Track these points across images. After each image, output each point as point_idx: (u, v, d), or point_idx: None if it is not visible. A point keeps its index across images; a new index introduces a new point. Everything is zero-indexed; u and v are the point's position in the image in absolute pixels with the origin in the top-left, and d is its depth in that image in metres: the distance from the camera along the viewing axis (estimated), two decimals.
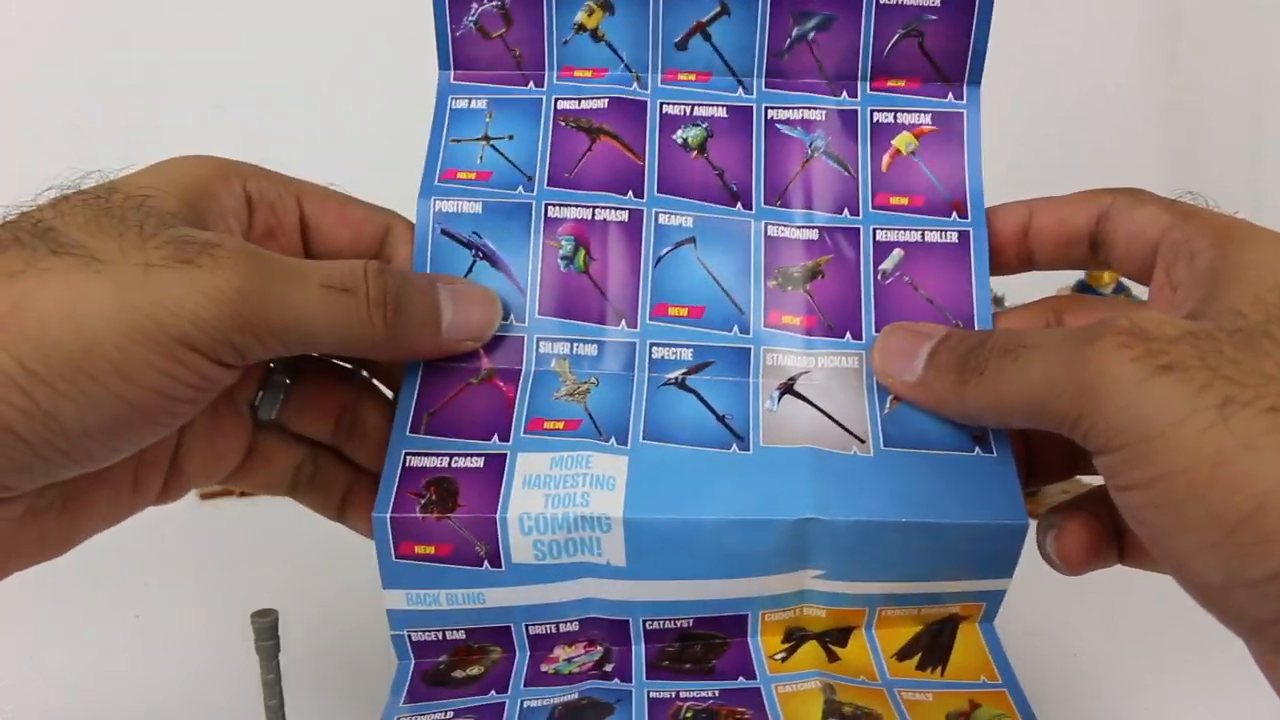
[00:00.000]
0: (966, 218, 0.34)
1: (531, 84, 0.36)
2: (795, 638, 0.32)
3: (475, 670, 0.32)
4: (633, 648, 0.32)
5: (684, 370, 0.33)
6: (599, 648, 0.32)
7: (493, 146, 0.35)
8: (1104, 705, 0.39)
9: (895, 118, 0.35)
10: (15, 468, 0.25)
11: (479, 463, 0.31)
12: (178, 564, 0.34)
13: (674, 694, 0.30)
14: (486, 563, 0.30)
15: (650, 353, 0.33)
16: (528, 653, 0.32)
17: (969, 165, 0.34)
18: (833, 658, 0.32)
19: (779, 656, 0.32)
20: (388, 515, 0.30)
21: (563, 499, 0.30)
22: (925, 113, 0.35)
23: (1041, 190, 0.33)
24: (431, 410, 0.32)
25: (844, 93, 0.35)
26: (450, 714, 0.30)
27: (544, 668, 0.32)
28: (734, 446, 0.31)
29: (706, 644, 0.32)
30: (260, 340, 0.27)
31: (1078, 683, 0.40)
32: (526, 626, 0.32)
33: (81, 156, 0.29)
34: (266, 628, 0.31)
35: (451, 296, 0.31)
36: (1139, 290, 0.52)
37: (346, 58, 0.38)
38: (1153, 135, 0.76)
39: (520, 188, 0.35)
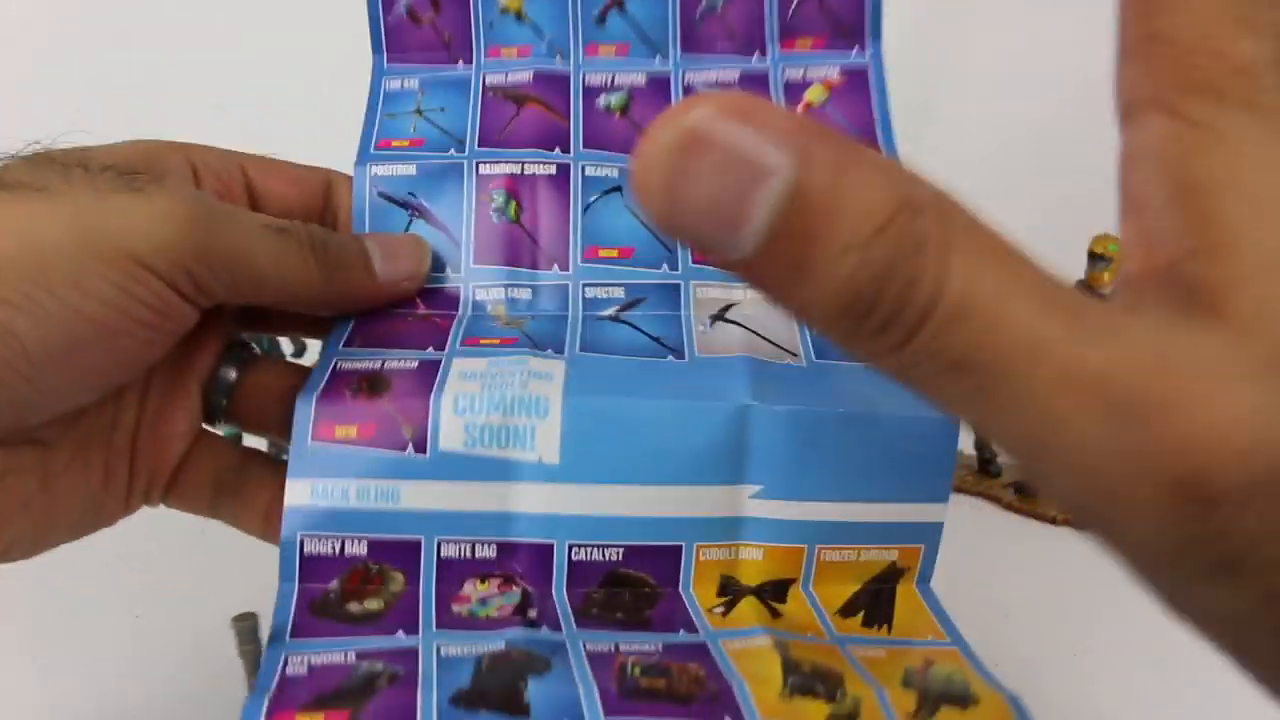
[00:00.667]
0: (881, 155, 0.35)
1: (460, 63, 0.37)
2: (731, 591, 0.31)
3: (374, 604, 0.29)
4: (554, 590, 0.30)
5: (618, 307, 0.34)
6: (515, 588, 0.30)
7: (425, 118, 0.37)
8: (1104, 705, 0.39)
9: (805, 74, 0.37)
10: None
11: (413, 364, 0.31)
12: (178, 563, 0.34)
13: (613, 647, 0.28)
14: (411, 447, 0.29)
15: (584, 292, 0.34)
16: (434, 584, 0.30)
17: (878, 110, 0.36)
18: (775, 614, 0.30)
19: (717, 610, 0.30)
20: (313, 397, 0.29)
21: (500, 385, 0.30)
22: (833, 67, 0.37)
23: (1039, 193, 0.34)
24: (367, 332, 0.32)
25: (755, 56, 0.37)
26: (352, 656, 0.27)
27: (455, 608, 0.29)
28: (670, 358, 0.32)
29: (636, 592, 0.31)
30: (211, 270, 0.27)
31: (1078, 682, 0.40)
32: (438, 544, 0.30)
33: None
34: (247, 631, 0.31)
35: (378, 244, 0.33)
36: None
37: (346, 57, 0.39)
38: None
39: (452, 150, 0.36)
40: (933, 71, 0.37)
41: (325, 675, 0.26)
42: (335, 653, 0.27)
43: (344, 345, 0.32)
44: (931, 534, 0.31)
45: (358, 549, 0.29)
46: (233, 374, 0.33)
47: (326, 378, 0.30)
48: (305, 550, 0.29)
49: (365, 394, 0.30)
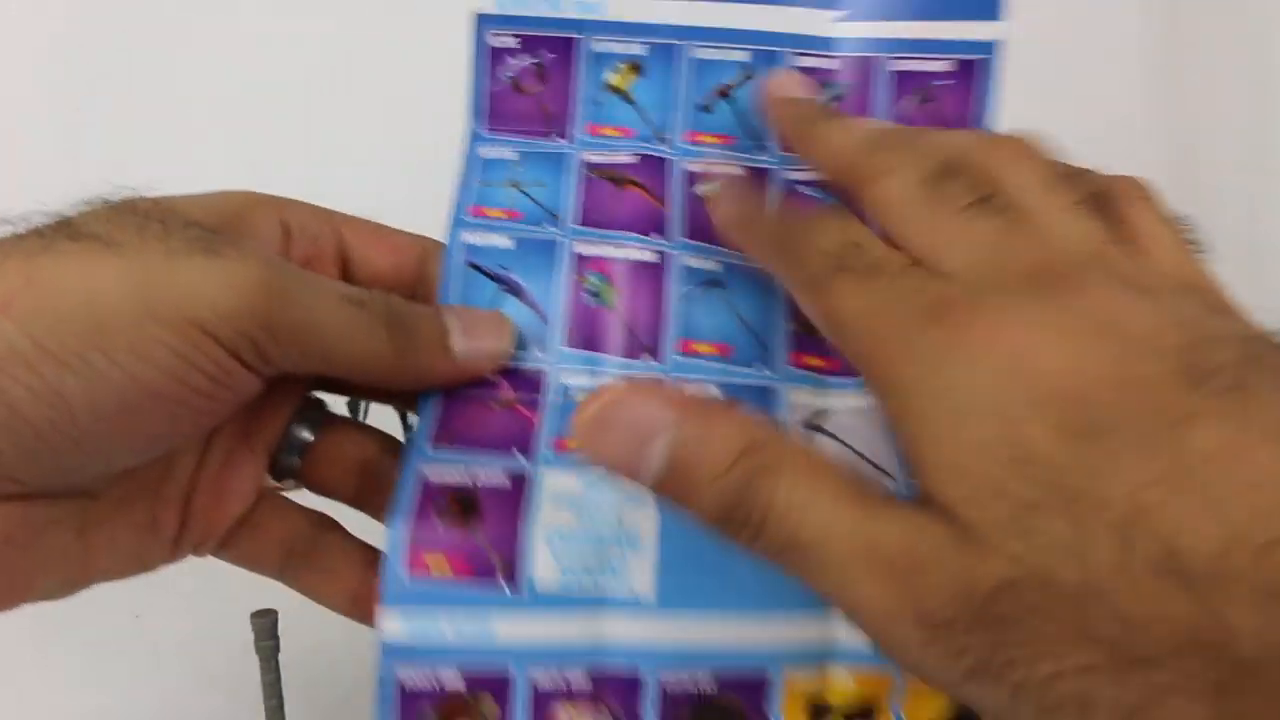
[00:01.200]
0: None
1: (557, 137, 0.37)
2: (821, 715, 0.31)
3: None
4: (644, 717, 0.30)
5: None
6: (607, 713, 0.30)
7: (521, 190, 0.36)
8: None
9: None
10: (21, 454, 0.24)
11: (503, 481, 0.30)
12: (179, 563, 0.34)
13: None
14: (504, 584, 0.29)
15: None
16: (528, 713, 0.30)
17: None
18: None
19: None
20: (403, 523, 0.29)
21: (593, 515, 0.29)
22: None
23: None
24: (450, 426, 0.31)
25: None
26: None
27: None
28: None
29: (724, 715, 0.30)
30: (278, 341, 0.26)
31: None
32: (531, 677, 0.30)
33: (80, 160, 0.29)
34: (266, 627, 0.31)
35: (458, 317, 0.31)
36: None
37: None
38: (1153, 154, 0.77)
39: (549, 225, 0.35)
40: None
41: None
42: None
43: (430, 441, 0.31)
44: None
45: (453, 681, 0.29)
46: (307, 434, 0.32)
47: (414, 493, 0.29)
48: (403, 684, 0.29)
49: (457, 519, 0.29)
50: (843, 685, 0.31)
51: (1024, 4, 0.35)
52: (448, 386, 0.32)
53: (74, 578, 0.28)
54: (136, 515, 0.29)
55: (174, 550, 0.31)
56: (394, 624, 0.29)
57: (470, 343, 0.31)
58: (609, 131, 0.37)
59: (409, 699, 0.29)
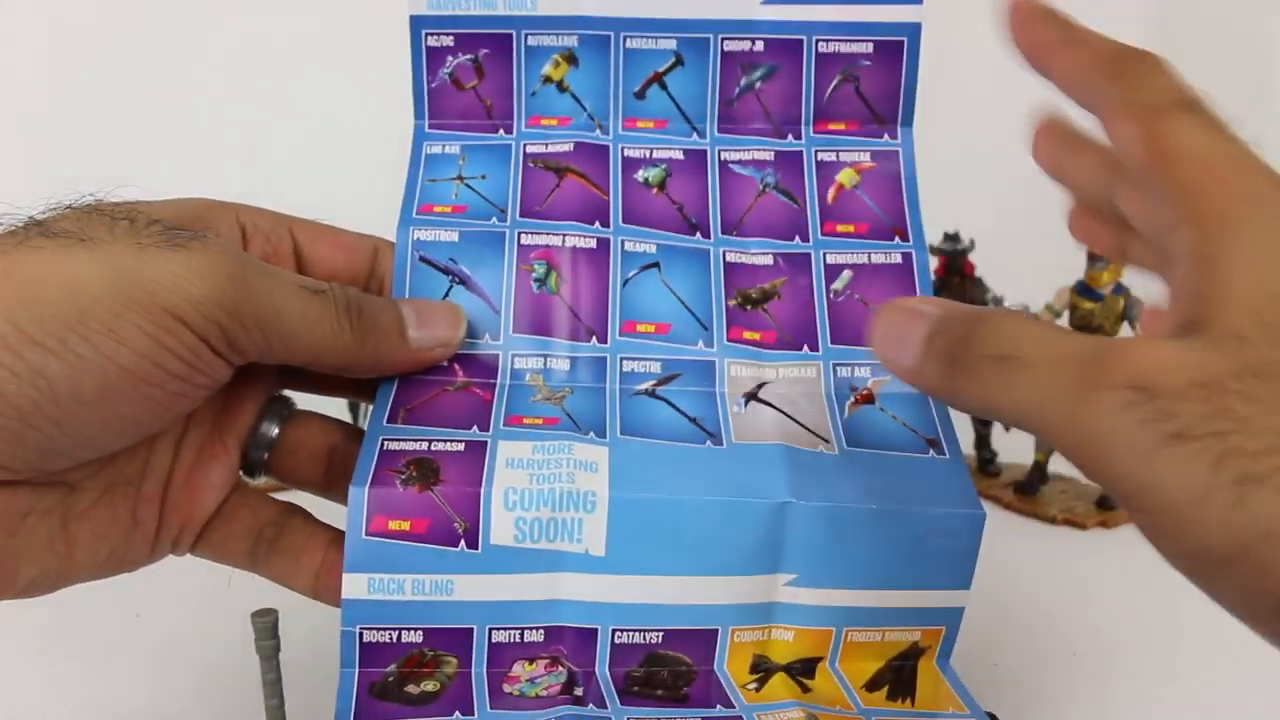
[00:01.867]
0: (908, 241, 0.37)
1: (501, 131, 0.38)
2: (763, 669, 0.33)
3: (430, 686, 0.31)
4: (597, 669, 0.32)
5: (654, 381, 0.34)
6: (562, 668, 0.32)
7: (467, 185, 0.37)
8: (1104, 705, 0.39)
9: (837, 156, 0.38)
10: (7, 436, 0.25)
11: (460, 447, 0.32)
12: (179, 563, 0.34)
13: None
14: (463, 543, 0.30)
15: (621, 366, 0.35)
16: (485, 667, 0.31)
17: (907, 196, 0.37)
18: (804, 689, 0.32)
19: (750, 686, 0.32)
20: (365, 487, 0.30)
21: (548, 477, 0.31)
22: (865, 151, 0.38)
23: (1041, 193, 0.34)
24: (409, 406, 0.33)
25: (789, 135, 0.38)
26: None
27: (506, 688, 0.31)
28: (708, 443, 0.33)
29: (674, 671, 0.32)
30: (245, 328, 0.28)
31: (1078, 682, 0.40)
32: (490, 631, 0.31)
33: (77, 163, 0.30)
34: (267, 627, 0.31)
35: (414, 309, 0.33)
36: (1139, 289, 0.52)
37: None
38: None
39: (494, 219, 0.37)
40: (932, 67, 0.37)
41: None
42: None
43: (388, 420, 0.32)
44: (953, 617, 0.33)
45: (414, 637, 0.31)
46: (274, 429, 0.33)
47: (375, 461, 0.31)
48: (364, 639, 0.31)
49: (416, 483, 0.30)
50: (783, 640, 0.33)
51: None
52: (405, 373, 0.33)
53: (58, 570, 0.29)
54: (118, 509, 0.30)
55: (153, 547, 0.32)
56: (357, 583, 0.30)
57: (425, 332, 0.33)
58: (549, 122, 0.38)
59: (371, 653, 0.31)
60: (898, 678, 0.33)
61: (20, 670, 0.41)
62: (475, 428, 0.32)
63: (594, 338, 0.35)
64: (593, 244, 0.36)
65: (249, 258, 0.29)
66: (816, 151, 0.38)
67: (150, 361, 0.26)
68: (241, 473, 0.33)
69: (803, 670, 0.32)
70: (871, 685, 0.32)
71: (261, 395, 0.34)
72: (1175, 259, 0.24)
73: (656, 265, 0.36)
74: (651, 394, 0.34)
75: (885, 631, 0.33)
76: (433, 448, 0.31)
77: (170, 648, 0.42)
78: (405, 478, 0.30)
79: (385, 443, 0.31)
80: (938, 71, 0.39)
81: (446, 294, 0.35)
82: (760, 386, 0.35)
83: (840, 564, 0.32)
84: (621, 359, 0.35)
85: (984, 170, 0.35)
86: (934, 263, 0.56)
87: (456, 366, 0.34)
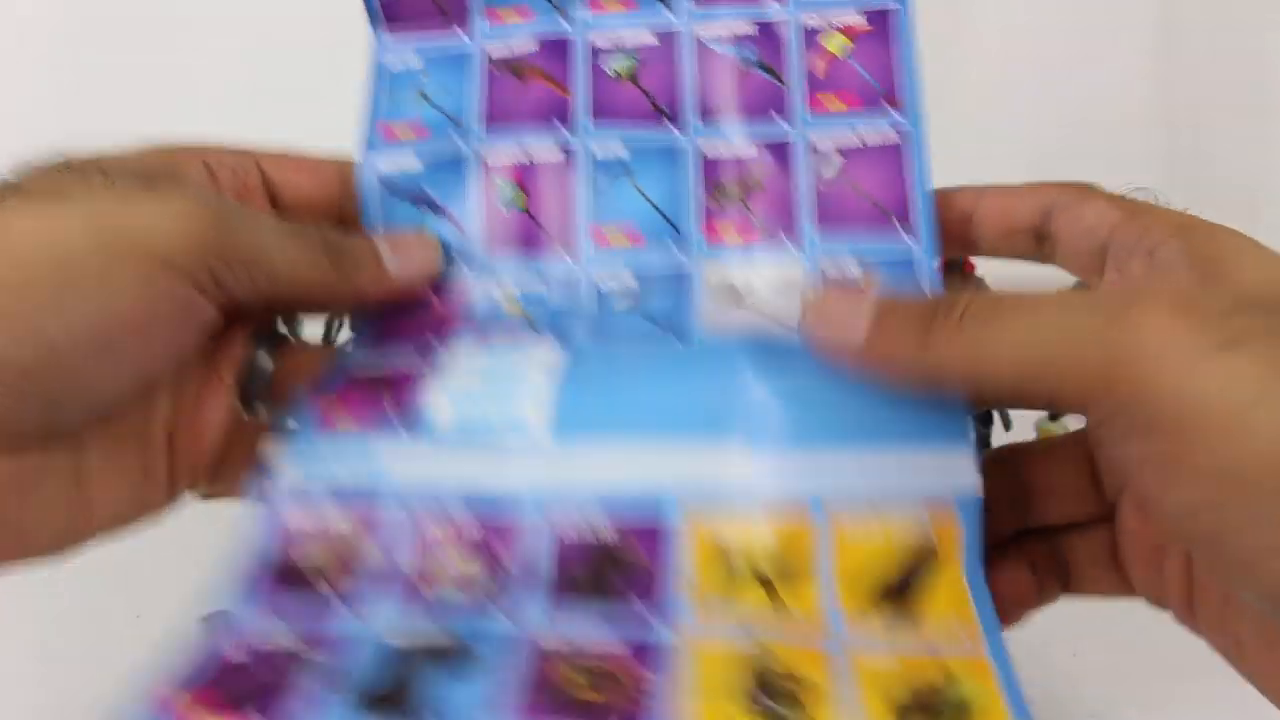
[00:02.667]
0: (902, 110, 0.33)
1: (457, 28, 0.36)
2: (729, 572, 0.27)
3: (346, 582, 0.27)
4: (537, 569, 0.27)
5: (630, 301, 0.33)
6: (496, 563, 0.27)
7: (429, 102, 0.35)
8: (1104, 705, 0.39)
9: (825, 20, 0.34)
10: (12, 396, 0.25)
11: (417, 360, 0.32)
12: (179, 563, 0.34)
13: (566, 645, 0.25)
14: (401, 426, 0.29)
15: (594, 281, 0.33)
16: (414, 556, 0.28)
17: (904, 59, 0.34)
18: (776, 601, 0.26)
19: (711, 598, 0.26)
20: (320, 399, 0.31)
21: (498, 376, 0.30)
22: (857, 11, 0.34)
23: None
24: (380, 332, 0.33)
25: (771, 1, 0.35)
26: (295, 641, 0.26)
27: (425, 589, 0.27)
28: (672, 336, 0.32)
29: (623, 567, 0.27)
30: (230, 269, 0.28)
31: (1078, 682, 0.40)
32: (417, 520, 0.28)
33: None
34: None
35: (389, 243, 0.33)
36: None
37: (347, 39, 0.38)
38: (1153, 140, 0.77)
39: (454, 136, 0.35)
40: (934, 62, 0.37)
41: (257, 666, 0.26)
42: (280, 637, 0.26)
43: (357, 345, 0.32)
44: (968, 508, 0.27)
45: (338, 522, 0.28)
46: (268, 361, 0.34)
47: (341, 382, 0.31)
48: (286, 524, 0.28)
49: (370, 391, 0.30)
50: (761, 538, 0.27)
51: (1026, 3, 0.35)
52: (384, 303, 0.33)
53: (76, 527, 0.29)
54: (127, 462, 0.30)
55: (170, 491, 0.32)
56: (291, 471, 0.29)
57: (402, 263, 0.33)
58: (508, 15, 0.36)
59: (293, 540, 0.28)
60: (902, 594, 0.26)
61: (20, 670, 0.41)
62: (436, 344, 0.32)
63: (566, 255, 0.34)
64: (560, 157, 0.34)
65: (227, 200, 0.30)
66: (802, 15, 0.35)
67: (143, 308, 0.27)
68: (240, 405, 0.33)
69: (780, 575, 0.27)
70: (866, 603, 0.26)
71: (250, 329, 0.34)
72: (1167, 265, 0.26)
73: (628, 172, 0.34)
74: (626, 313, 0.33)
75: (882, 514, 0.27)
76: (393, 365, 0.31)
77: (170, 648, 0.42)
78: (361, 388, 0.31)
79: (352, 369, 0.32)
80: (938, 73, 0.39)
81: (419, 224, 0.35)
82: (734, 293, 0.33)
83: (808, 425, 0.28)
84: (595, 274, 0.33)
85: (984, 170, 0.35)
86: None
87: (433, 296, 0.34)
